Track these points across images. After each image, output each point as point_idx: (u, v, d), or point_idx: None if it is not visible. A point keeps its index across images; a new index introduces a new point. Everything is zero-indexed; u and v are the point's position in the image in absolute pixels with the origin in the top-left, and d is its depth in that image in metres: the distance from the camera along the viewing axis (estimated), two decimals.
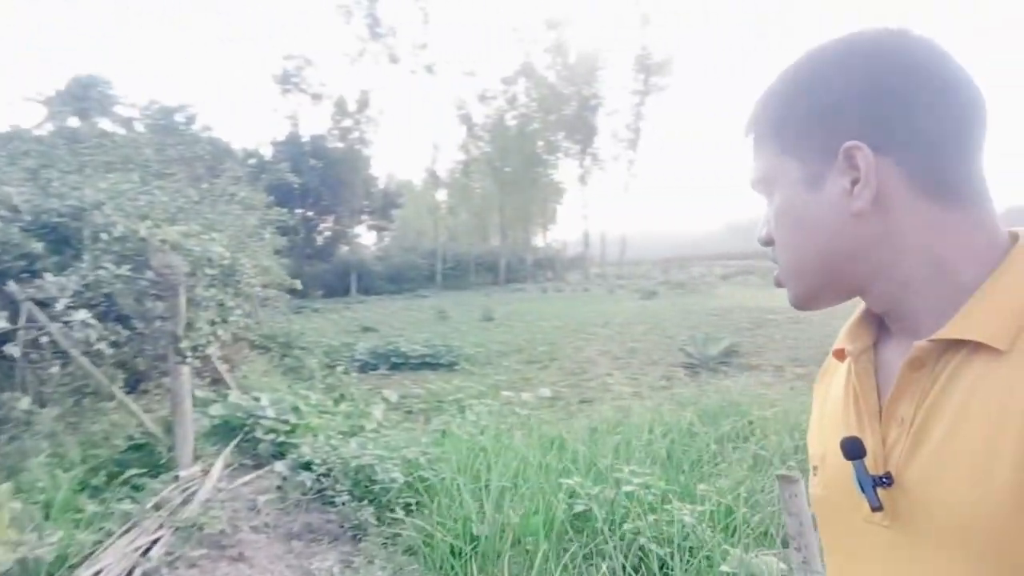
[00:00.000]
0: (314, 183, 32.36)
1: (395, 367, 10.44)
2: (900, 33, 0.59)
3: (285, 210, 11.30)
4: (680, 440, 4.26)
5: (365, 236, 43.13)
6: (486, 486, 3.55)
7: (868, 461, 0.58)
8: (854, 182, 0.58)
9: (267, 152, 32.68)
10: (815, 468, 0.68)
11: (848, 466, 0.58)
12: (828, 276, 0.62)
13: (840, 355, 0.67)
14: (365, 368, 10.33)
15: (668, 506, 2.97)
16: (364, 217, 40.21)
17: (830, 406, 0.69)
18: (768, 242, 0.67)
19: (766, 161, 0.65)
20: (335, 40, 63.83)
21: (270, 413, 4.86)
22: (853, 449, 0.59)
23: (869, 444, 0.59)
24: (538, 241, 47.82)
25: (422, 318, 19.10)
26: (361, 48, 38.14)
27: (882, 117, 0.57)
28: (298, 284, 9.19)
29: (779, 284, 0.67)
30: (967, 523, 0.50)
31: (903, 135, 0.57)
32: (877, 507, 0.56)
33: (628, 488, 3.03)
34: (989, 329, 0.52)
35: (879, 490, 0.56)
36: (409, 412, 7.03)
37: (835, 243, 0.60)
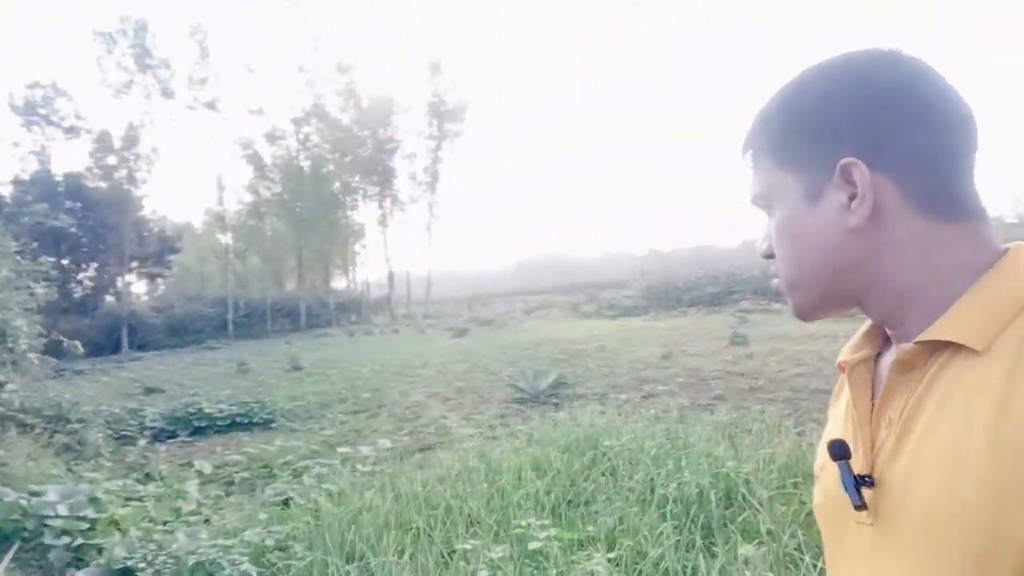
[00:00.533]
0: (70, 227, 28.07)
1: (198, 432, 9.16)
2: (892, 54, 0.62)
3: (49, 259, 9.52)
4: (557, 480, 4.17)
5: (137, 285, 38.34)
6: (365, 566, 3.12)
7: (857, 462, 0.61)
8: (851, 197, 0.60)
9: (6, 192, 27.82)
10: (816, 477, 0.71)
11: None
12: (826, 287, 0.64)
13: (842, 369, 0.69)
14: (161, 436, 8.94)
15: (576, 557, 2.82)
16: (135, 264, 35.72)
17: (833, 419, 0.73)
18: (768, 255, 0.69)
19: (765, 176, 0.67)
20: (93, 70, 56.73)
21: (61, 510, 3.86)
22: (838, 450, 0.61)
23: (858, 446, 0.61)
24: (339, 284, 46.16)
25: (218, 372, 17.21)
26: (127, 79, 34.24)
27: (876, 135, 0.60)
28: (77, 344, 7.70)
29: (780, 294, 0.70)
30: (937, 517, 0.52)
31: (897, 152, 0.59)
32: (860, 505, 0.59)
33: (534, 544, 2.82)
34: (969, 330, 0.55)
35: (864, 490, 0.59)
36: (230, 484, 6.14)
37: (833, 256, 0.62)
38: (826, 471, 0.67)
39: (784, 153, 0.65)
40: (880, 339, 0.68)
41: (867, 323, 0.69)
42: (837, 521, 0.65)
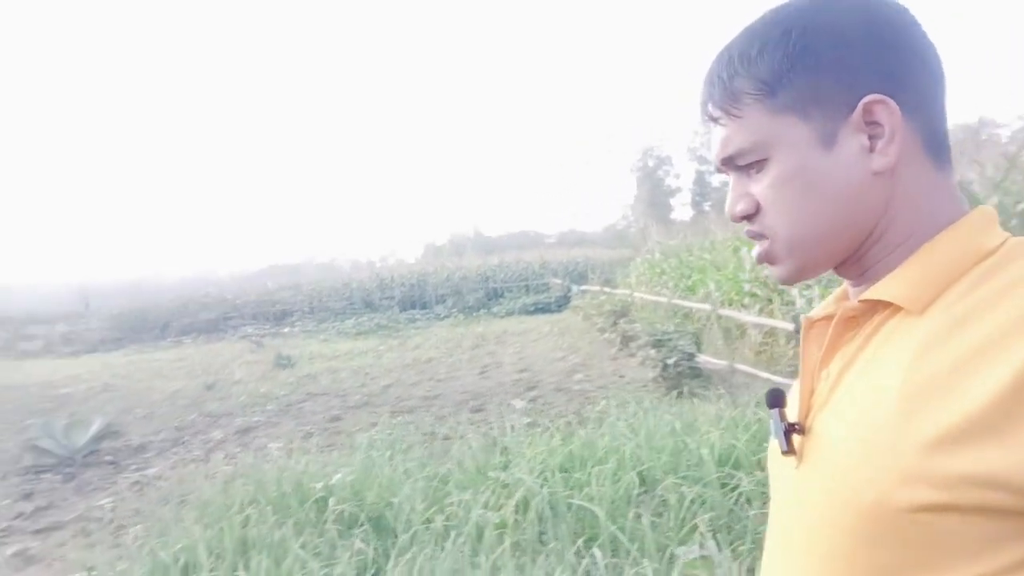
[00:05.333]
0: None
1: None
2: None
3: None
4: None
5: None
6: None
7: (795, 412, 0.62)
8: (872, 138, 0.57)
9: None
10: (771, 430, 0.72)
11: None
12: (835, 243, 0.60)
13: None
14: None
15: None
16: None
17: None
18: (746, 215, 0.62)
19: (754, 126, 0.59)
20: None
21: None
22: (772, 399, 0.63)
23: (799, 397, 0.63)
24: None
25: None
26: None
27: (894, 72, 0.57)
28: None
29: (766, 262, 0.63)
30: (837, 463, 0.54)
31: (911, 92, 0.57)
32: (787, 451, 0.60)
33: None
34: (908, 293, 0.55)
35: (795, 436, 0.60)
36: None
37: (853, 204, 0.58)
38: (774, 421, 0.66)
39: (784, 97, 0.58)
40: (845, 300, 0.66)
41: (841, 287, 0.68)
42: (775, 467, 0.66)
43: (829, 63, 0.57)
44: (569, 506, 3.13)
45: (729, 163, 0.62)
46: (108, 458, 6.33)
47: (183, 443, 6.76)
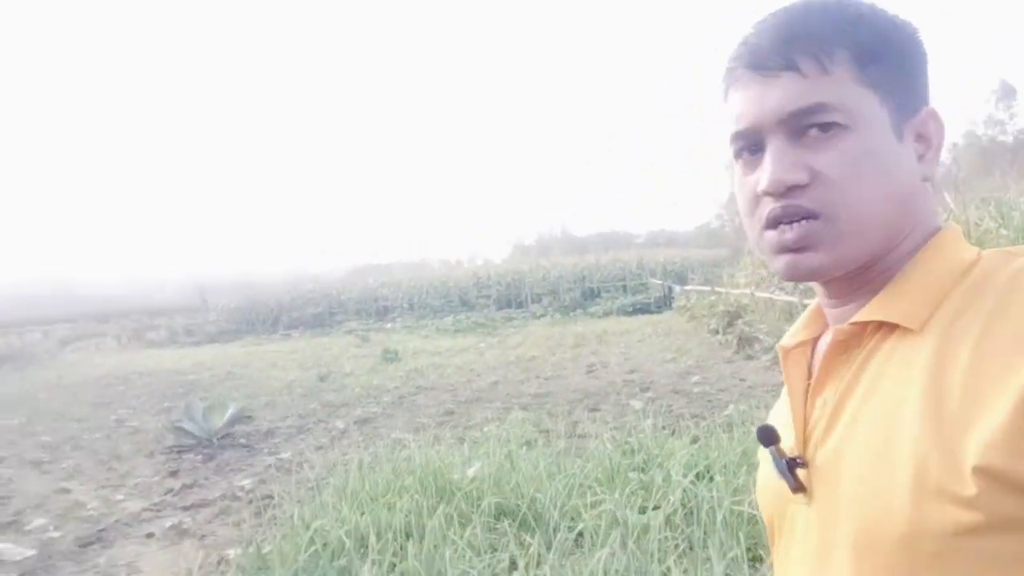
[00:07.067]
0: None
1: None
2: None
3: None
4: None
5: None
6: None
7: (791, 445, 0.60)
8: (921, 148, 0.57)
9: None
10: (758, 464, 0.70)
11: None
12: (883, 237, 0.56)
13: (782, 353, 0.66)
14: None
15: None
16: None
17: (775, 407, 0.71)
18: (796, 186, 0.54)
19: (837, 87, 0.54)
20: None
21: None
22: (765, 436, 0.61)
23: (792, 429, 0.60)
24: None
25: None
26: None
27: (927, 88, 0.59)
28: None
29: (803, 245, 0.55)
30: (863, 499, 0.51)
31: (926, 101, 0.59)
32: (796, 487, 0.58)
33: None
34: (906, 310, 0.53)
35: (799, 471, 0.58)
36: None
37: (908, 203, 0.56)
38: (766, 458, 0.63)
39: (873, 72, 0.55)
40: (819, 324, 0.65)
41: (808, 309, 0.67)
42: (774, 505, 0.64)
43: (912, 58, 0.57)
44: (734, 513, 2.93)
45: (792, 122, 0.55)
46: (242, 441, 6.64)
47: (308, 430, 7.00)
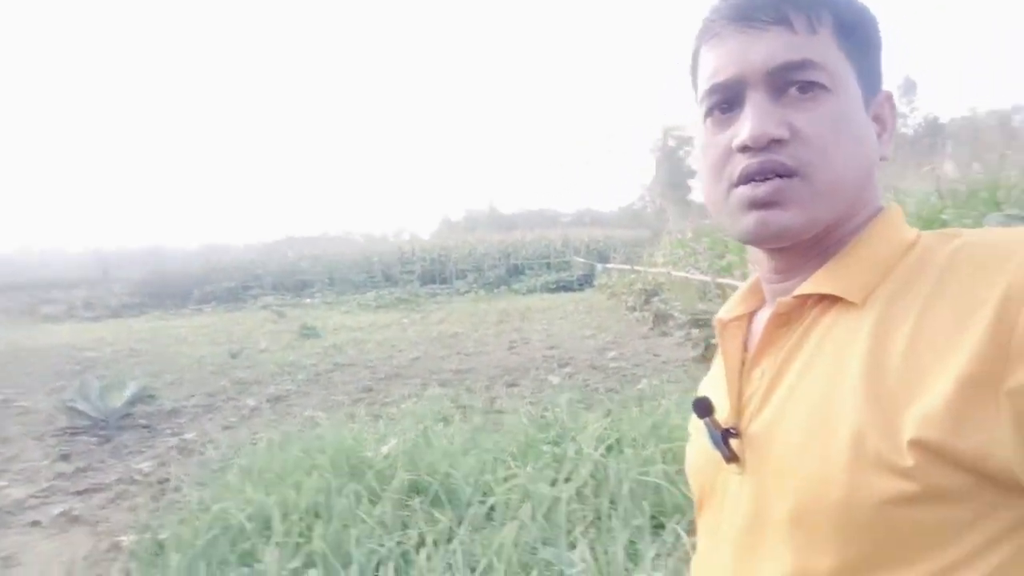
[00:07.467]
0: None
1: None
2: None
3: None
4: None
5: None
6: None
7: (726, 416, 0.60)
8: (878, 128, 0.59)
9: None
10: (690, 435, 0.70)
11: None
12: (847, 203, 0.57)
13: (718, 327, 0.67)
14: None
15: None
16: None
17: (707, 378, 0.72)
18: (777, 140, 0.54)
19: (821, 48, 0.55)
20: None
21: None
22: (701, 407, 0.60)
23: (727, 400, 0.60)
24: None
25: None
26: None
27: (882, 69, 0.60)
28: None
29: (775, 202, 0.55)
30: (799, 469, 0.51)
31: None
32: (730, 457, 0.58)
33: None
34: (848, 284, 0.54)
35: (733, 441, 0.58)
36: None
37: (870, 176, 0.58)
38: (698, 429, 0.64)
39: (852, 43, 0.56)
40: (757, 299, 0.66)
41: (746, 284, 0.68)
42: (705, 475, 0.64)
43: (877, 39, 0.59)
44: (641, 483, 3.00)
45: (776, 76, 0.54)
46: (143, 421, 6.28)
47: (216, 409, 6.71)
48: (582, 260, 22.06)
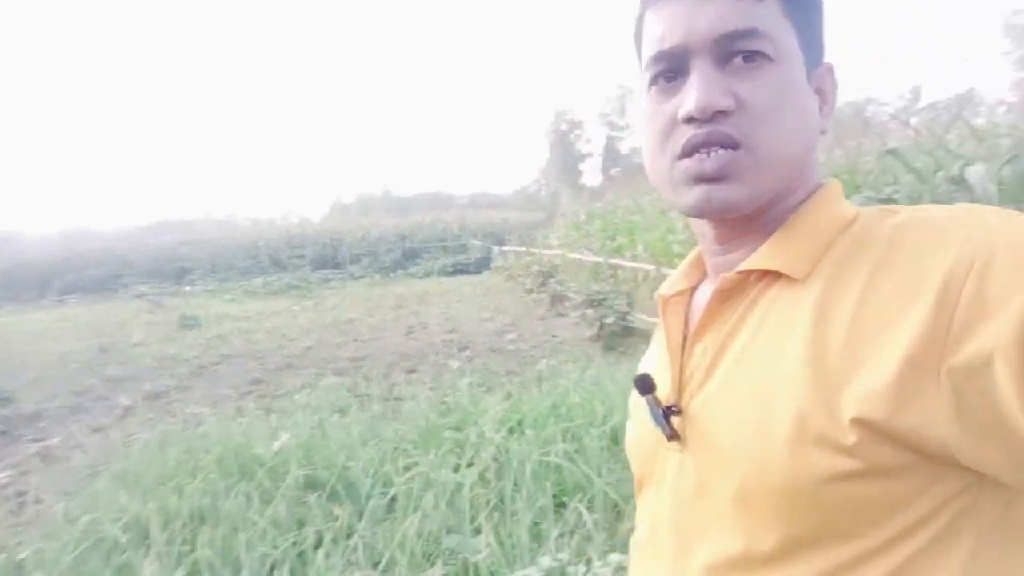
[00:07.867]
0: None
1: None
2: None
3: None
4: None
5: None
6: None
7: (666, 394, 0.59)
8: (820, 101, 0.57)
9: None
10: (631, 412, 0.69)
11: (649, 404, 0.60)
12: (789, 178, 0.56)
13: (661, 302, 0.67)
14: None
15: None
16: None
17: (648, 354, 0.71)
18: (722, 111, 0.52)
19: (771, 18, 0.53)
20: None
21: None
22: (643, 385, 0.60)
23: (667, 377, 0.60)
24: None
25: None
26: None
27: (824, 42, 0.59)
28: None
29: (721, 175, 0.53)
30: (741, 446, 0.51)
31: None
32: (671, 435, 0.57)
33: None
34: (790, 259, 0.54)
35: (674, 419, 0.58)
36: None
37: (810, 151, 0.57)
38: (638, 406, 0.63)
39: (798, 15, 0.55)
40: (698, 274, 0.66)
41: (688, 258, 0.67)
42: (645, 454, 0.63)
43: (821, 11, 0.57)
44: (543, 464, 3.03)
45: (722, 44, 0.52)
46: None
47: (84, 410, 6.14)
48: (479, 243, 22.08)
